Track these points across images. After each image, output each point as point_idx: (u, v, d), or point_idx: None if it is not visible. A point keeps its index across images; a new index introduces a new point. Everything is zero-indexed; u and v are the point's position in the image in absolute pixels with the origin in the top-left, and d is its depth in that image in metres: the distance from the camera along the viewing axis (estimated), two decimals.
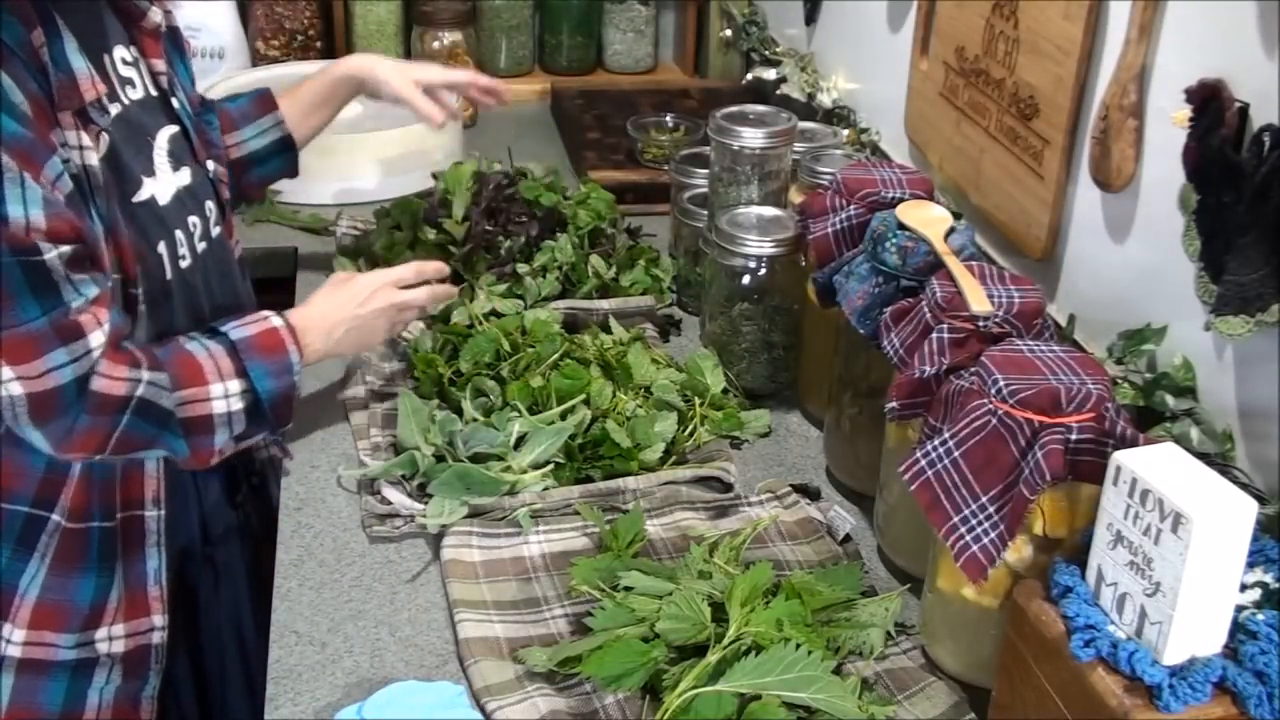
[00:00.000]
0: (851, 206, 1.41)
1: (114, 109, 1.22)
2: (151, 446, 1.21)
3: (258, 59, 2.48)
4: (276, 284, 1.88)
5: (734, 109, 1.63)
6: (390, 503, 1.32)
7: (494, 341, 1.51)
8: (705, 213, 1.71)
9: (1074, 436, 1.00)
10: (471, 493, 1.31)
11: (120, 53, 1.27)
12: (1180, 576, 0.86)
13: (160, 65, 1.33)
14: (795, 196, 1.63)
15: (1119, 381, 1.19)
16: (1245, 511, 0.86)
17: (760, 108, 1.65)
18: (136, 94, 1.28)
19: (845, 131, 1.93)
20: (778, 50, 2.31)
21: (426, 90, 1.67)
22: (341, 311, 1.37)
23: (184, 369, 1.21)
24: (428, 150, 2.09)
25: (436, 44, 2.45)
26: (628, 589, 1.16)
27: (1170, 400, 1.15)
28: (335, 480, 1.40)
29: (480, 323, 1.57)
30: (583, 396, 1.42)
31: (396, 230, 1.80)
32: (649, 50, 2.75)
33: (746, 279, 1.54)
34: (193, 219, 1.32)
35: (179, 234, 1.29)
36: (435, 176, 1.86)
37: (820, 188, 1.52)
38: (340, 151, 2.05)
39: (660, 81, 2.69)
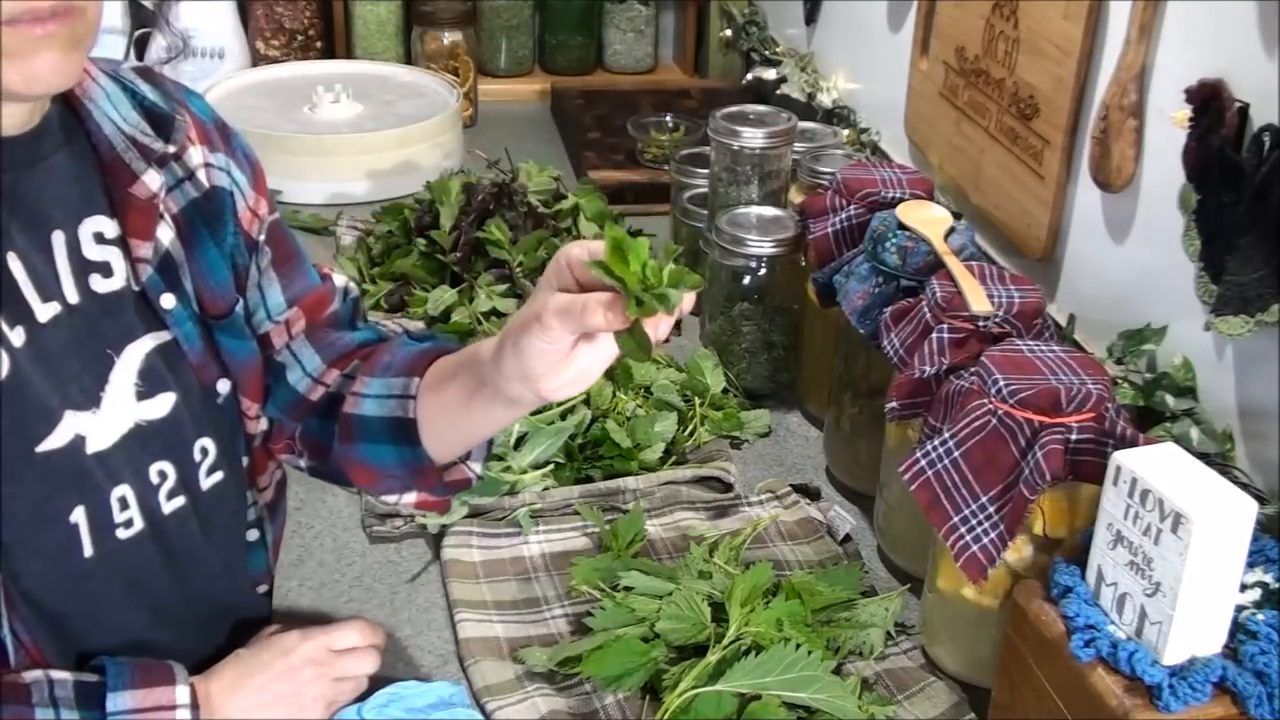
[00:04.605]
0: (851, 206, 1.41)
1: (46, 311, 0.88)
2: None
3: (258, 59, 2.47)
4: None
5: (734, 109, 1.63)
6: (390, 503, 1.32)
7: None
8: (705, 213, 1.71)
9: (1074, 436, 1.00)
10: (471, 492, 1.31)
11: (96, 226, 0.92)
12: (1180, 576, 0.86)
13: (143, 250, 0.93)
14: (795, 196, 1.63)
15: (1119, 381, 1.19)
16: (1245, 511, 0.86)
17: (760, 108, 1.65)
18: (111, 285, 0.92)
19: (845, 131, 1.93)
20: (778, 50, 2.31)
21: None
22: (265, 678, 1.00)
23: None
24: (428, 150, 2.09)
25: (437, 44, 2.45)
26: (628, 589, 1.16)
27: (1170, 400, 1.15)
28: None
29: (480, 323, 1.57)
30: (582, 396, 1.42)
31: (391, 235, 1.80)
32: (649, 50, 2.75)
33: (746, 279, 1.54)
34: (159, 466, 0.95)
35: (121, 491, 0.93)
36: (427, 186, 1.86)
37: (820, 188, 1.52)
38: (340, 151, 2.05)
39: (660, 81, 2.69)
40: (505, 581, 1.24)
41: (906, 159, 1.79)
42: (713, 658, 1.07)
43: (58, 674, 0.90)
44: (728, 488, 1.39)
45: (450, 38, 2.45)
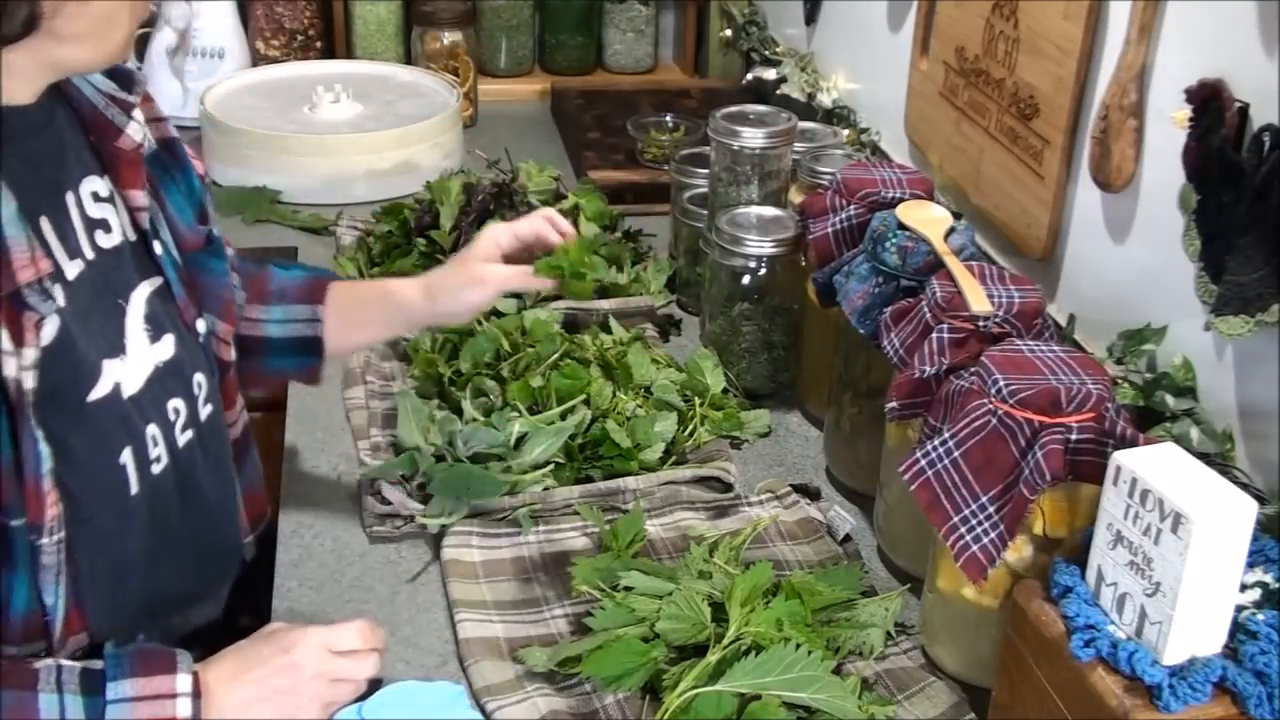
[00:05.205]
0: (851, 206, 1.41)
1: (73, 269, 0.96)
2: None
3: (258, 59, 2.48)
4: None
5: (734, 109, 1.63)
6: (390, 503, 1.32)
7: (494, 341, 1.51)
8: (705, 213, 1.71)
9: (1074, 436, 1.00)
10: (471, 493, 1.31)
11: (91, 186, 1.00)
12: (1180, 576, 0.86)
13: (140, 198, 1.03)
14: (795, 196, 1.63)
15: (1119, 381, 1.19)
16: (1245, 511, 0.86)
17: (760, 108, 1.65)
18: (111, 240, 1.00)
19: (845, 131, 1.93)
20: (778, 50, 2.32)
21: (507, 258, 1.29)
22: (263, 673, 1.01)
23: None
24: (428, 150, 2.09)
25: (437, 44, 2.45)
26: (628, 589, 1.16)
27: (1170, 400, 1.15)
28: (335, 480, 1.40)
29: (480, 323, 1.57)
30: (583, 396, 1.42)
31: (391, 234, 1.80)
32: (649, 50, 2.75)
33: (746, 279, 1.54)
34: (174, 403, 1.04)
35: (152, 430, 1.01)
36: (427, 186, 1.86)
37: (820, 188, 1.52)
38: (341, 151, 2.05)
39: (660, 81, 2.69)
40: (505, 581, 1.24)
41: (906, 159, 1.79)
42: (713, 658, 1.07)
43: (66, 662, 0.93)
44: (728, 488, 1.39)
45: (450, 38, 2.45)
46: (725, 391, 1.52)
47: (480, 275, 1.27)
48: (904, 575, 1.28)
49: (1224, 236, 1.05)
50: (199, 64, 2.35)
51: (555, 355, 1.48)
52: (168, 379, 1.03)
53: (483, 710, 1.08)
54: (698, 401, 1.48)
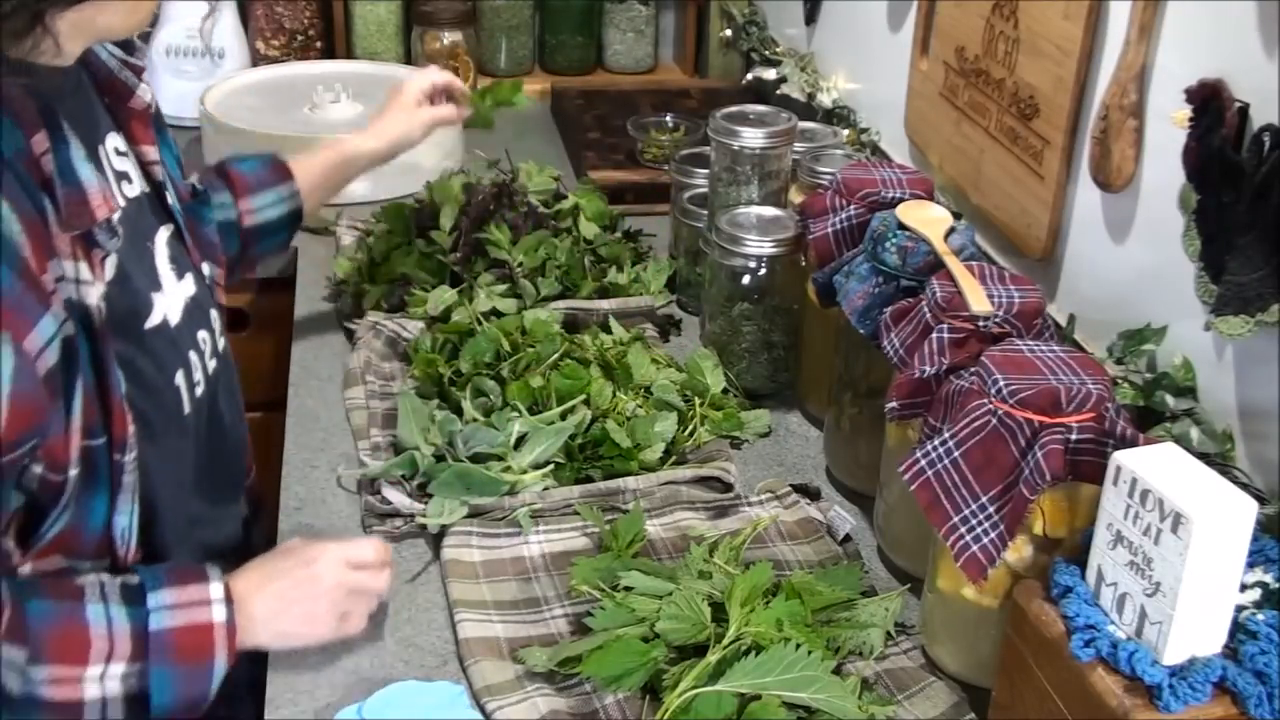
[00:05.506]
0: (851, 206, 1.41)
1: (116, 214, 1.03)
2: None
3: (258, 59, 2.48)
4: (277, 284, 1.88)
5: (734, 109, 1.63)
6: (390, 503, 1.32)
7: (494, 341, 1.51)
8: (705, 213, 1.71)
9: (1074, 436, 1.00)
10: (471, 493, 1.31)
11: (113, 142, 1.09)
12: (1180, 576, 0.86)
13: (153, 153, 1.14)
14: (795, 196, 1.63)
15: (1119, 381, 1.19)
16: (1245, 511, 0.86)
17: (760, 108, 1.65)
18: (133, 190, 1.10)
19: (845, 131, 1.93)
20: (778, 50, 2.32)
21: (420, 101, 1.63)
22: (287, 584, 1.09)
23: (63, 642, 0.95)
24: (428, 150, 2.09)
25: (437, 44, 2.45)
26: (628, 589, 1.16)
27: (1170, 400, 1.15)
28: (335, 480, 1.40)
29: (480, 323, 1.57)
30: (583, 396, 1.42)
31: (391, 234, 1.80)
32: (649, 50, 2.75)
33: (746, 279, 1.54)
34: (202, 334, 1.15)
35: (193, 356, 1.12)
36: (427, 186, 1.85)
37: (820, 188, 1.52)
38: None
39: (660, 81, 2.69)
40: (505, 581, 1.24)
41: (906, 159, 1.79)
42: (713, 658, 1.07)
43: (106, 577, 1.00)
44: (728, 488, 1.39)
45: (450, 38, 2.45)
46: (725, 391, 1.52)
47: (421, 122, 1.62)
48: (904, 575, 1.28)
49: (1224, 236, 1.05)
50: (199, 64, 2.35)
51: (555, 355, 1.48)
52: (195, 312, 1.14)
53: (483, 710, 1.08)
54: (698, 401, 1.48)
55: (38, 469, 0.93)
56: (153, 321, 1.06)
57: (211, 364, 1.16)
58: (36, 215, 0.93)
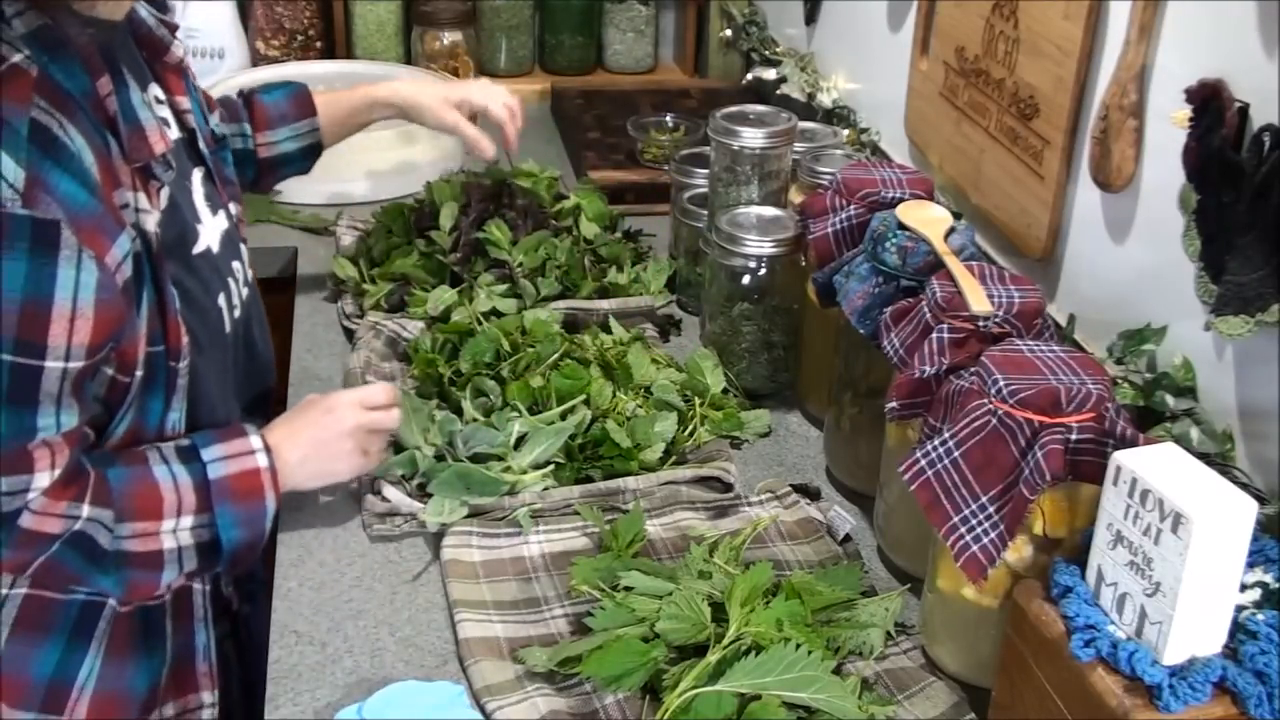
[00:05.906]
0: (851, 206, 1.41)
1: (164, 149, 1.14)
2: (75, 583, 1.12)
3: (258, 59, 2.48)
4: (277, 284, 1.88)
5: (734, 109, 1.63)
6: (390, 502, 1.32)
7: (494, 341, 1.51)
8: (705, 213, 1.71)
9: (1074, 436, 1.00)
10: (471, 493, 1.31)
11: (152, 91, 1.21)
12: (1180, 576, 0.86)
13: (185, 103, 1.27)
14: (795, 196, 1.63)
15: (1119, 381, 1.19)
16: (1245, 511, 0.86)
17: (760, 108, 1.65)
18: (172, 134, 1.21)
19: (845, 131, 1.93)
20: (778, 50, 2.32)
21: (462, 105, 1.68)
22: (313, 431, 1.24)
23: (140, 500, 1.10)
24: (428, 150, 2.09)
25: (437, 44, 2.45)
26: (628, 589, 1.16)
27: (1170, 400, 1.15)
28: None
29: (480, 323, 1.57)
30: (583, 396, 1.42)
31: (391, 235, 1.80)
32: (649, 50, 2.75)
33: (746, 279, 1.54)
34: (235, 264, 1.29)
35: (230, 282, 1.26)
36: (427, 186, 1.85)
37: (820, 188, 1.52)
38: (340, 151, 2.04)
39: (660, 81, 2.69)
40: (505, 581, 1.24)
41: (906, 159, 1.79)
42: (713, 658, 1.07)
43: (160, 444, 1.15)
44: (728, 488, 1.39)
45: (450, 38, 2.45)
46: (725, 391, 1.52)
47: (451, 118, 1.67)
48: (904, 575, 1.28)
49: (1224, 236, 1.05)
50: (199, 64, 2.35)
51: (555, 355, 1.48)
52: (229, 244, 1.27)
53: (483, 710, 1.08)
54: (698, 401, 1.48)
55: (109, 370, 1.07)
56: (199, 249, 1.20)
57: (245, 291, 1.30)
58: (104, 148, 1.04)
